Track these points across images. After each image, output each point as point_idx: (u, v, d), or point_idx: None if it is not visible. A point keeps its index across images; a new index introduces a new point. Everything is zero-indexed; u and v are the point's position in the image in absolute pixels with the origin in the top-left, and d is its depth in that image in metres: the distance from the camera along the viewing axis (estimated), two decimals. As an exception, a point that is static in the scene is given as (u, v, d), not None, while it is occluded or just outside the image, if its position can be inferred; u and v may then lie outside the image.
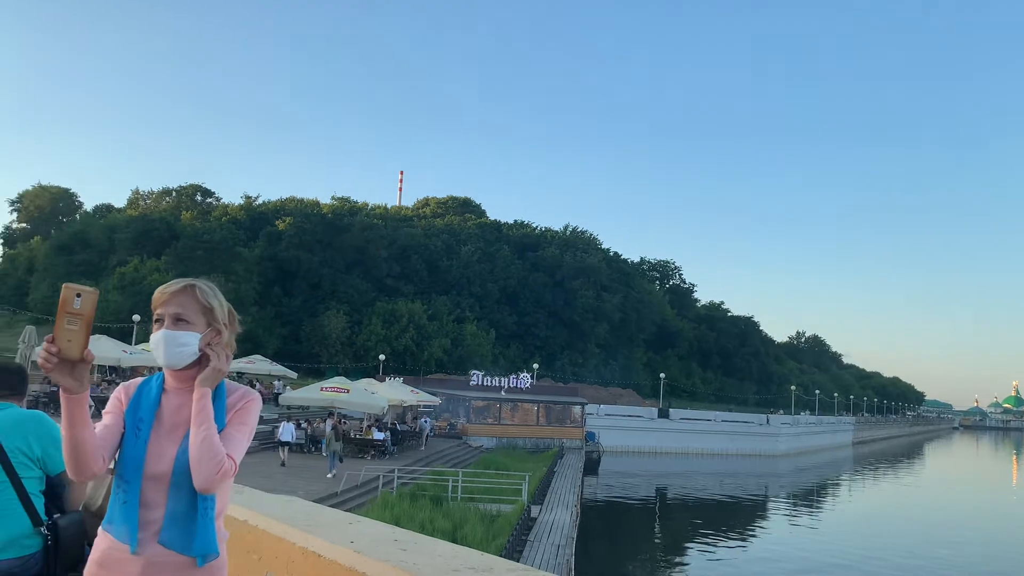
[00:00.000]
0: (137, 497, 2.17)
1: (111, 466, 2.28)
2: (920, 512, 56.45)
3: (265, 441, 32.77)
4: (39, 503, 2.99)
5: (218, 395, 2.26)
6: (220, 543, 2.28)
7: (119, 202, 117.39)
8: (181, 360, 2.26)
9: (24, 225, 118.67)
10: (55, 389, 28.30)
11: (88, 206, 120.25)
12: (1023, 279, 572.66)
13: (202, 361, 2.28)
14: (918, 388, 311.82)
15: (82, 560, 3.13)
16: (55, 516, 3.01)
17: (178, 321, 2.26)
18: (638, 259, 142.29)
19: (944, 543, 41.78)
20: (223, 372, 2.28)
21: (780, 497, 59.08)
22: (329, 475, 26.31)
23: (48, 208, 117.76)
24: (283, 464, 28.50)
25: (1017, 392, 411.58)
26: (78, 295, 2.03)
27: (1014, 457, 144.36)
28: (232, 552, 3.06)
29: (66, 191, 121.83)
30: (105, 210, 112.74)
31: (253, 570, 2.84)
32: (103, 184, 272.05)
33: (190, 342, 2.25)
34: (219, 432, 2.19)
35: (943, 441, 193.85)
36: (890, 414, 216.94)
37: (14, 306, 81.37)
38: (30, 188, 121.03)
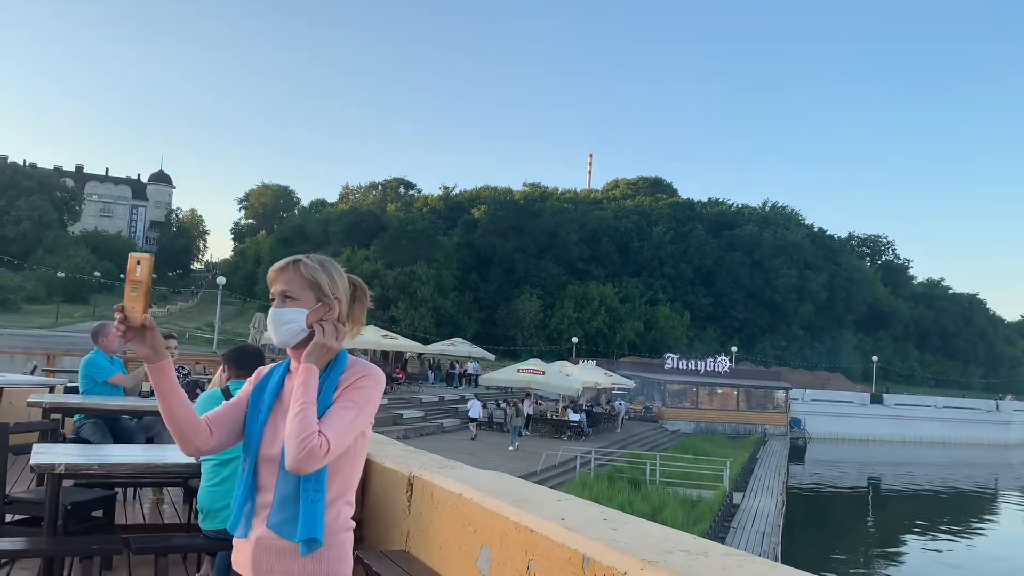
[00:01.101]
0: (252, 479, 2.13)
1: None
2: None
3: (466, 419, 34.20)
4: None
5: (332, 372, 2.16)
6: (335, 533, 2.13)
7: (332, 197, 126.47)
8: (290, 337, 2.17)
9: (251, 221, 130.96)
10: (282, 370, 31.16)
11: (305, 202, 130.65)
12: None
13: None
14: None
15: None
16: None
17: (286, 298, 2.17)
18: (846, 234, 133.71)
19: None
20: (331, 348, 2.16)
21: (1013, 491, 53.59)
22: (511, 447, 28.10)
23: (271, 205, 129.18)
24: (473, 438, 29.88)
25: None
26: (138, 262, 2.01)
27: None
28: (448, 524, 3.20)
29: (285, 188, 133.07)
30: (320, 205, 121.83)
31: (469, 542, 2.95)
32: (317, 181, 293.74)
33: (296, 319, 2.16)
34: (327, 410, 2.07)
35: None
36: None
37: (245, 295, 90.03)
38: (254, 187, 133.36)
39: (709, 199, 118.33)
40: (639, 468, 26.81)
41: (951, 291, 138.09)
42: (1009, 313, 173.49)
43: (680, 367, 55.28)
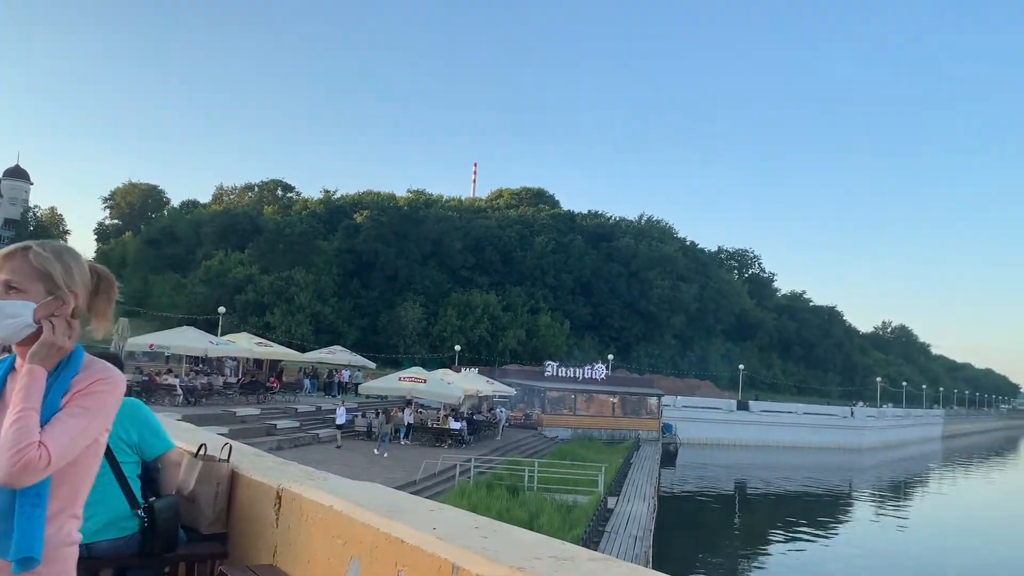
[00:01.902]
0: None
1: None
2: (1013, 511, 54.07)
3: (346, 429, 33.58)
4: (136, 487, 3.14)
5: (62, 373, 1.91)
6: (56, 548, 1.87)
7: (204, 198, 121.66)
8: (12, 333, 1.90)
9: (116, 221, 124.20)
10: (146, 379, 29.63)
11: (175, 202, 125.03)
12: None
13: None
14: (1012, 380, 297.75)
15: (177, 542, 3.27)
16: (151, 499, 3.16)
17: (10, 289, 1.90)
18: (715, 248, 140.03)
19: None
20: (60, 347, 1.92)
21: (864, 492, 57.37)
22: (376, 452, 28.87)
23: (138, 204, 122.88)
24: (339, 447, 29.55)
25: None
26: None
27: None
28: (317, 537, 3.13)
29: (154, 188, 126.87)
30: (191, 205, 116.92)
31: (338, 554, 2.89)
32: (189, 181, 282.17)
33: (20, 313, 1.89)
34: (53, 416, 1.84)
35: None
36: (982, 407, 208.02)
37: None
38: (121, 185, 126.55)
39: (589, 211, 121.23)
40: (518, 475, 27.07)
41: (812, 303, 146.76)
42: (864, 325, 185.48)
43: (560, 375, 56.22)
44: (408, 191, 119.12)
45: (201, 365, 36.56)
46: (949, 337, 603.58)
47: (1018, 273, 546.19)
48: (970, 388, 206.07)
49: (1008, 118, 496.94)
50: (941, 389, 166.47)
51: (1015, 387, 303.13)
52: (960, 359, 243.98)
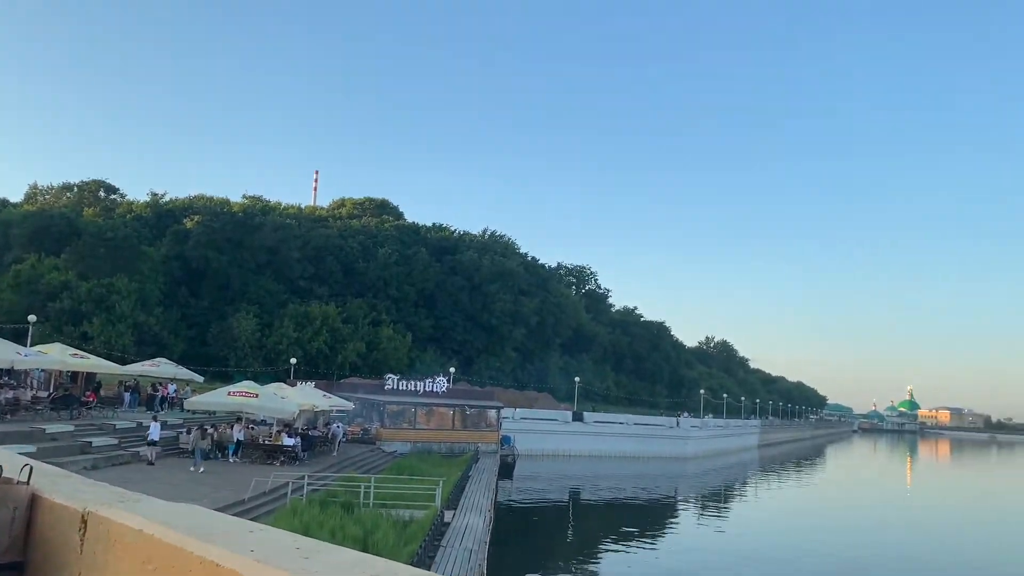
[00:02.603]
0: None
1: None
2: (822, 513, 58.71)
3: (169, 447, 31.72)
4: None
5: None
6: None
7: (15, 197, 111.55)
8: None
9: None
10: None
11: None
12: (917, 290, 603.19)
13: None
14: (820, 392, 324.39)
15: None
16: None
17: None
18: (555, 264, 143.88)
19: (846, 543, 43.56)
20: None
21: (689, 498, 60.55)
22: (192, 469, 28.19)
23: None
24: (151, 463, 28.09)
25: (911, 396, 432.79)
26: None
27: (908, 459, 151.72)
28: (126, 563, 2.94)
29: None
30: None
31: (148, 581, 2.73)
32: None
33: None
34: None
35: (844, 444, 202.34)
36: (794, 417, 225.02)
37: None
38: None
39: (433, 224, 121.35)
40: (353, 491, 26.54)
41: (643, 319, 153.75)
42: (689, 340, 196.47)
43: (400, 388, 55.71)
44: (244, 197, 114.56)
45: (6, 378, 33.46)
46: (765, 352, 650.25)
47: (825, 294, 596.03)
48: (783, 400, 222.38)
49: (827, 144, 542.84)
50: (758, 400, 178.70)
51: (823, 399, 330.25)
52: (775, 373, 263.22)
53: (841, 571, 35.55)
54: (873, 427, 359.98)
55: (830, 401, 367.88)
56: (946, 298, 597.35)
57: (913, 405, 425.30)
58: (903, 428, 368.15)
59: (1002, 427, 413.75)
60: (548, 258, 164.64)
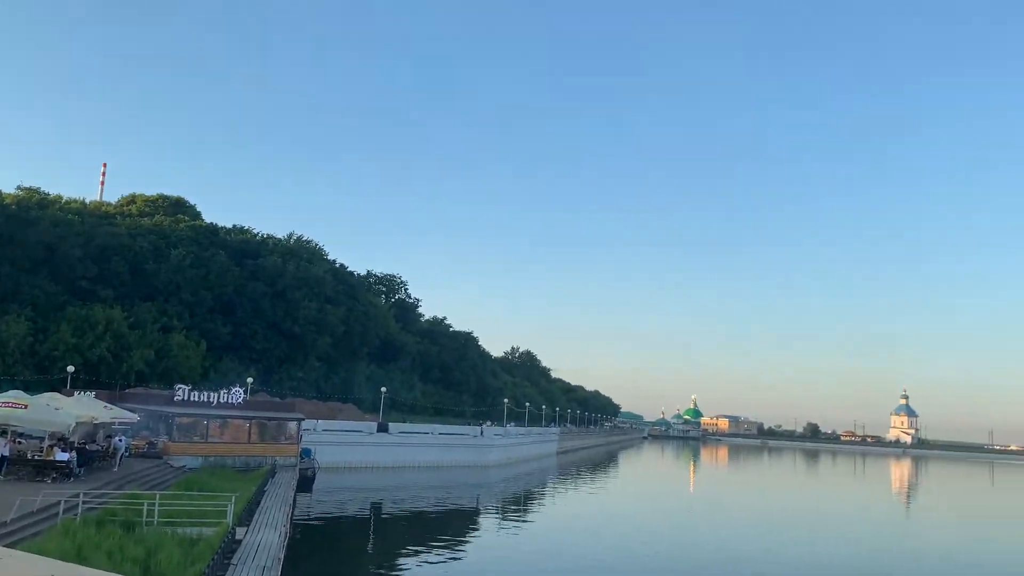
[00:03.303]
0: None
1: None
2: (611, 515, 61.67)
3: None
4: None
5: None
6: None
7: None
8: None
9: None
10: None
11: None
12: (698, 302, 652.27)
13: None
14: (615, 401, 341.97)
15: None
16: None
17: None
18: (364, 272, 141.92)
19: (635, 543, 45.99)
20: None
21: (491, 505, 61.58)
22: None
23: None
24: None
25: (695, 405, 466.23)
26: None
27: (691, 465, 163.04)
28: None
29: None
30: None
31: None
32: None
33: None
34: None
35: (635, 450, 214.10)
36: (591, 425, 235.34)
37: None
38: None
39: (234, 226, 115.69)
40: (136, 509, 24.65)
41: (452, 329, 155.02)
42: (496, 350, 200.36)
43: (192, 399, 52.50)
44: (18, 188, 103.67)
45: None
46: (566, 361, 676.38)
47: (620, 306, 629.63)
48: (582, 408, 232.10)
49: (615, 156, 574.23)
50: (558, 409, 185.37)
51: (617, 407, 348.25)
52: (574, 382, 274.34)
53: (636, 568, 37.50)
54: (661, 434, 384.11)
55: (623, 409, 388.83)
56: (722, 310, 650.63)
57: (696, 413, 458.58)
58: (687, 435, 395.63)
59: (772, 433, 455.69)
60: (358, 266, 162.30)
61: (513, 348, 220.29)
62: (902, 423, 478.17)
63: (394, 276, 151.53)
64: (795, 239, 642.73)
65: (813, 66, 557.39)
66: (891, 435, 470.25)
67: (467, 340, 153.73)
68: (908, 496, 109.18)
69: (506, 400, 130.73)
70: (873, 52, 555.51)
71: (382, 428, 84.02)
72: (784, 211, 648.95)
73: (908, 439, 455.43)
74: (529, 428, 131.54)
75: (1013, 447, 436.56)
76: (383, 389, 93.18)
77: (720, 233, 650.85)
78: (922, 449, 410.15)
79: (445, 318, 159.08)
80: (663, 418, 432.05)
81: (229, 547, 21.08)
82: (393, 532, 46.50)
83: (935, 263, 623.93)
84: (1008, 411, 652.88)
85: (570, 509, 64.81)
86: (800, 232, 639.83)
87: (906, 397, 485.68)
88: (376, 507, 55.91)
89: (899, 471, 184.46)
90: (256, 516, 26.98)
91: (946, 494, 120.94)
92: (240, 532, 23.24)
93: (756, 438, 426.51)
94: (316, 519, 46.48)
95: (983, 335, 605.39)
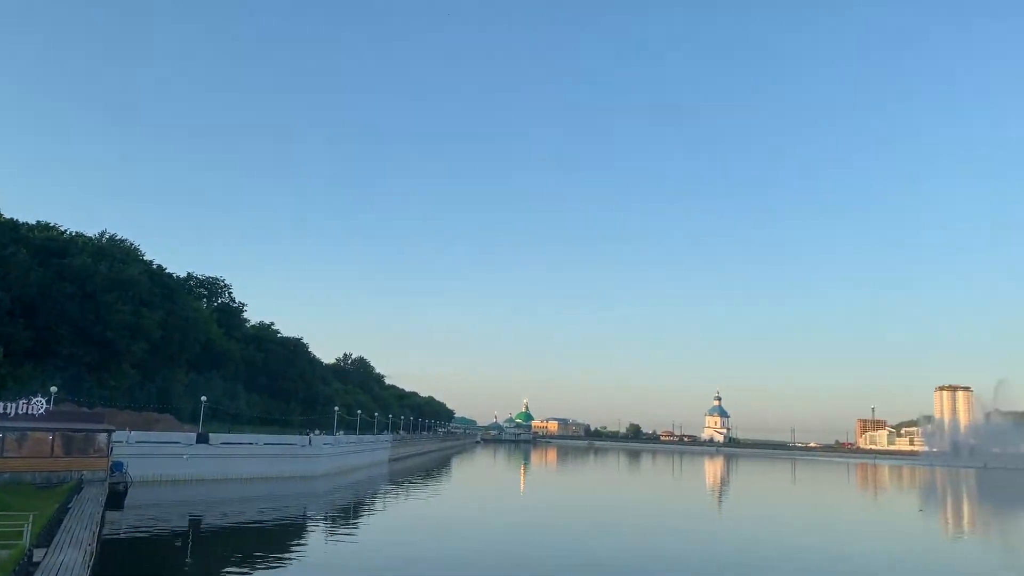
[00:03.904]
0: None
1: None
2: (442, 522, 61.84)
3: None
4: None
5: None
6: None
7: None
8: None
9: None
10: None
11: None
12: (535, 307, 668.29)
13: None
14: (449, 406, 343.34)
15: None
16: None
17: None
18: (185, 274, 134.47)
19: (465, 547, 46.31)
20: None
21: (318, 517, 60.00)
22: None
23: None
24: None
25: (527, 408, 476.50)
26: None
27: (522, 467, 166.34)
28: None
29: None
30: None
31: None
32: None
33: None
34: None
35: (468, 455, 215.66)
36: (425, 431, 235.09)
37: None
38: None
39: (38, 222, 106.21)
40: (-89, 535, 22.06)
41: (280, 335, 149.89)
42: (327, 356, 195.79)
43: (-16, 411, 47.64)
44: None
45: None
46: (401, 368, 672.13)
47: (449, 313, 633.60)
48: (416, 414, 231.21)
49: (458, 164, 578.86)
50: (391, 416, 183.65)
51: (451, 412, 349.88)
52: (408, 388, 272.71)
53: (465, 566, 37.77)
54: (494, 438, 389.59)
55: (457, 414, 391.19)
56: (556, 315, 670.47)
57: (528, 417, 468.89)
58: (519, 438, 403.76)
59: (599, 435, 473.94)
60: (178, 268, 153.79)
61: (345, 355, 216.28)
62: (715, 423, 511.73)
63: (217, 279, 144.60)
64: (614, 248, 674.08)
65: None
66: (705, 434, 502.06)
67: (296, 346, 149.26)
68: (719, 493, 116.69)
69: (337, 408, 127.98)
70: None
71: (202, 439, 79.81)
72: (610, 215, 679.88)
73: (721, 438, 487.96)
74: (360, 436, 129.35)
75: (812, 444, 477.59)
76: (203, 398, 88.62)
77: (548, 235, 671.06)
78: (733, 447, 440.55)
79: (273, 323, 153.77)
80: (496, 422, 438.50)
81: (25, 570, 19.34)
82: (213, 548, 44.30)
83: (744, 269, 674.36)
84: (808, 411, 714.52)
85: (401, 517, 64.40)
86: (617, 241, 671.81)
87: (719, 399, 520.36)
88: (195, 522, 53.06)
89: (712, 469, 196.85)
90: (57, 536, 24.87)
91: (754, 490, 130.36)
92: (38, 554, 21.36)
93: (584, 439, 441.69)
94: (127, 536, 43.52)
95: (786, 341, 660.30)
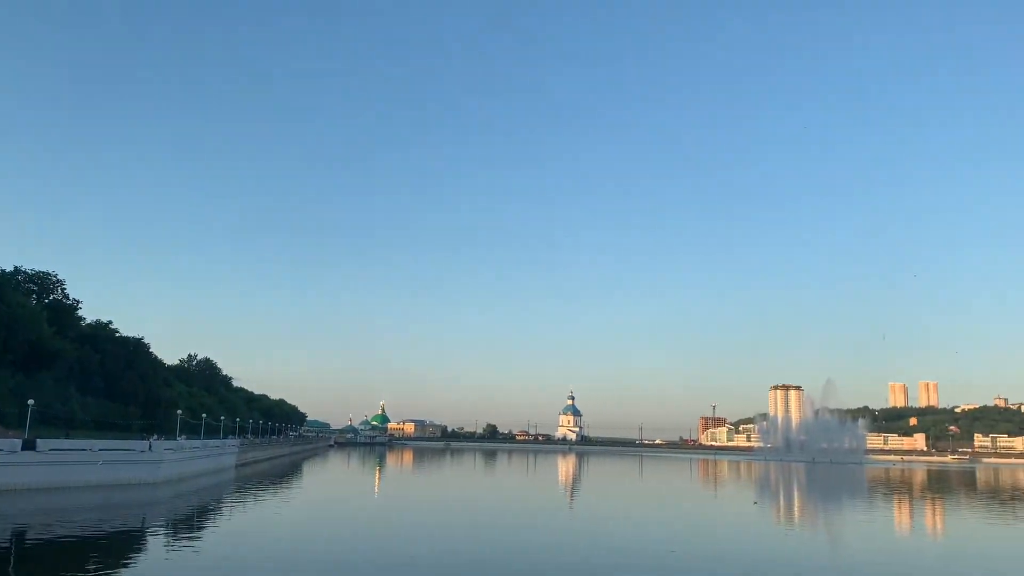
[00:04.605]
0: None
1: None
2: (292, 525, 60.41)
3: None
4: None
5: None
6: None
7: None
8: None
9: None
10: None
11: None
12: (392, 307, 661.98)
13: None
14: (301, 409, 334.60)
15: None
16: None
17: None
18: (11, 268, 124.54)
19: (316, 551, 45.47)
20: None
21: (158, 525, 57.14)
22: None
23: None
24: None
25: (383, 411, 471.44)
26: None
27: (376, 470, 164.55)
28: None
29: None
30: None
31: None
32: None
33: None
34: None
35: (320, 459, 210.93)
36: (275, 435, 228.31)
37: None
38: None
39: None
40: None
41: (118, 334, 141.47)
42: (170, 357, 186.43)
43: None
44: None
45: None
46: (250, 369, 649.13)
47: (308, 312, 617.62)
48: (265, 417, 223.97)
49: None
50: (239, 419, 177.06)
51: (303, 415, 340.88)
52: (258, 390, 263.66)
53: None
54: (348, 441, 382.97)
55: (310, 417, 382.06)
56: (414, 312, 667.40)
57: (384, 419, 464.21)
58: (375, 441, 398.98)
59: (455, 435, 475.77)
60: (3, 261, 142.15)
61: (190, 355, 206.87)
62: (569, 422, 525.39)
63: (49, 273, 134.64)
64: (452, 249, 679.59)
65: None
66: (559, 433, 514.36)
67: (136, 346, 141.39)
68: (571, 489, 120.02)
69: (180, 411, 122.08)
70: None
71: (28, 445, 74.16)
72: (452, 215, 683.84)
73: (574, 436, 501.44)
74: (205, 441, 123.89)
75: (658, 441, 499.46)
76: (30, 402, 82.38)
77: (399, 235, 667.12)
78: (586, 445, 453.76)
79: (111, 322, 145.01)
80: (351, 424, 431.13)
81: None
82: (39, 563, 41.32)
83: (596, 271, 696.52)
84: (655, 410, 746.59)
85: (246, 523, 62.34)
86: (472, 243, 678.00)
87: (572, 398, 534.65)
88: (19, 535, 49.26)
89: (564, 466, 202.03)
90: None
91: (603, 485, 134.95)
92: None
93: (440, 440, 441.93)
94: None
95: (635, 340, 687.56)
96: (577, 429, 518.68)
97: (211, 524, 59.93)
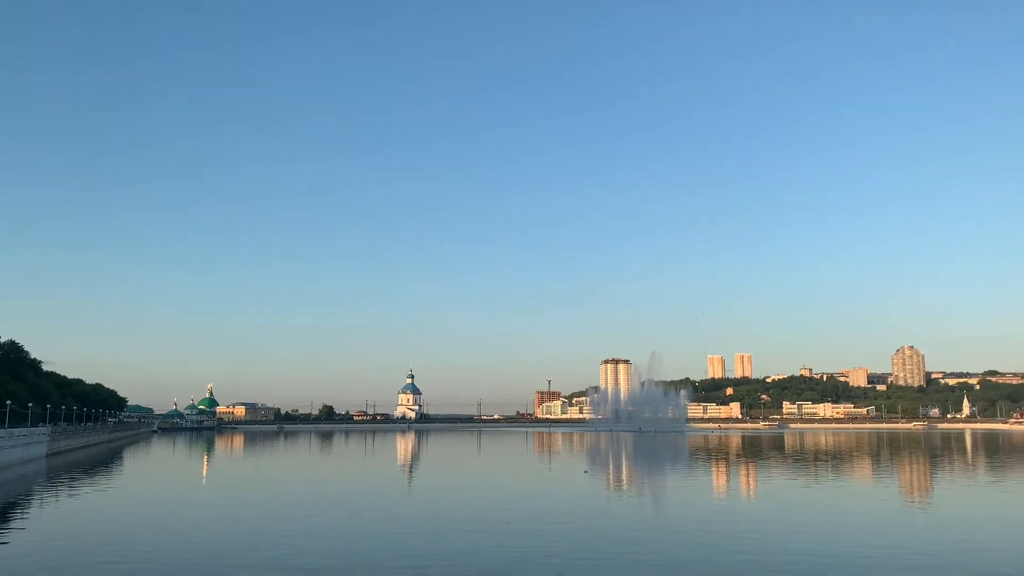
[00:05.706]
0: None
1: None
2: (110, 517, 57.08)
3: None
4: None
5: None
6: None
7: None
8: None
9: None
10: None
11: None
12: (202, 289, 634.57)
13: None
14: (121, 394, 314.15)
15: None
16: None
17: None
18: None
19: (153, 540, 43.19)
20: None
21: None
22: None
23: None
24: None
25: (211, 394, 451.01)
26: None
27: (205, 455, 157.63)
28: None
29: None
30: None
31: None
32: None
33: None
34: None
35: (143, 445, 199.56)
36: (93, 422, 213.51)
37: None
38: None
39: None
40: None
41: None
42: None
43: None
44: None
45: None
46: (65, 353, 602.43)
47: (120, 293, 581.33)
48: (80, 404, 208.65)
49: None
50: (49, 406, 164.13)
51: (123, 401, 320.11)
52: (72, 375, 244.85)
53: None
54: (173, 426, 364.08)
55: (132, 403, 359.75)
56: (238, 298, 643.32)
57: (212, 403, 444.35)
58: (202, 425, 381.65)
59: (289, 418, 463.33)
60: None
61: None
62: (408, 400, 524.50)
63: None
64: (327, 237, 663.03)
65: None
66: (398, 412, 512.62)
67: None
68: (409, 467, 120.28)
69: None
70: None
71: None
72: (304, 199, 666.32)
73: (413, 415, 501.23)
74: (10, 430, 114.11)
75: (496, 416, 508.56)
76: None
77: (240, 217, 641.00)
78: (425, 423, 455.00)
79: None
80: (176, 409, 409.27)
81: None
82: None
83: (434, 248, 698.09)
84: (493, 385, 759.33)
85: (59, 516, 58.28)
86: (311, 224, 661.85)
87: (412, 376, 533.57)
88: None
89: (403, 445, 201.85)
90: None
91: (441, 463, 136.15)
92: None
93: (273, 423, 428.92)
94: None
95: (472, 317, 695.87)
96: (417, 407, 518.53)
97: (19, 518, 55.47)
